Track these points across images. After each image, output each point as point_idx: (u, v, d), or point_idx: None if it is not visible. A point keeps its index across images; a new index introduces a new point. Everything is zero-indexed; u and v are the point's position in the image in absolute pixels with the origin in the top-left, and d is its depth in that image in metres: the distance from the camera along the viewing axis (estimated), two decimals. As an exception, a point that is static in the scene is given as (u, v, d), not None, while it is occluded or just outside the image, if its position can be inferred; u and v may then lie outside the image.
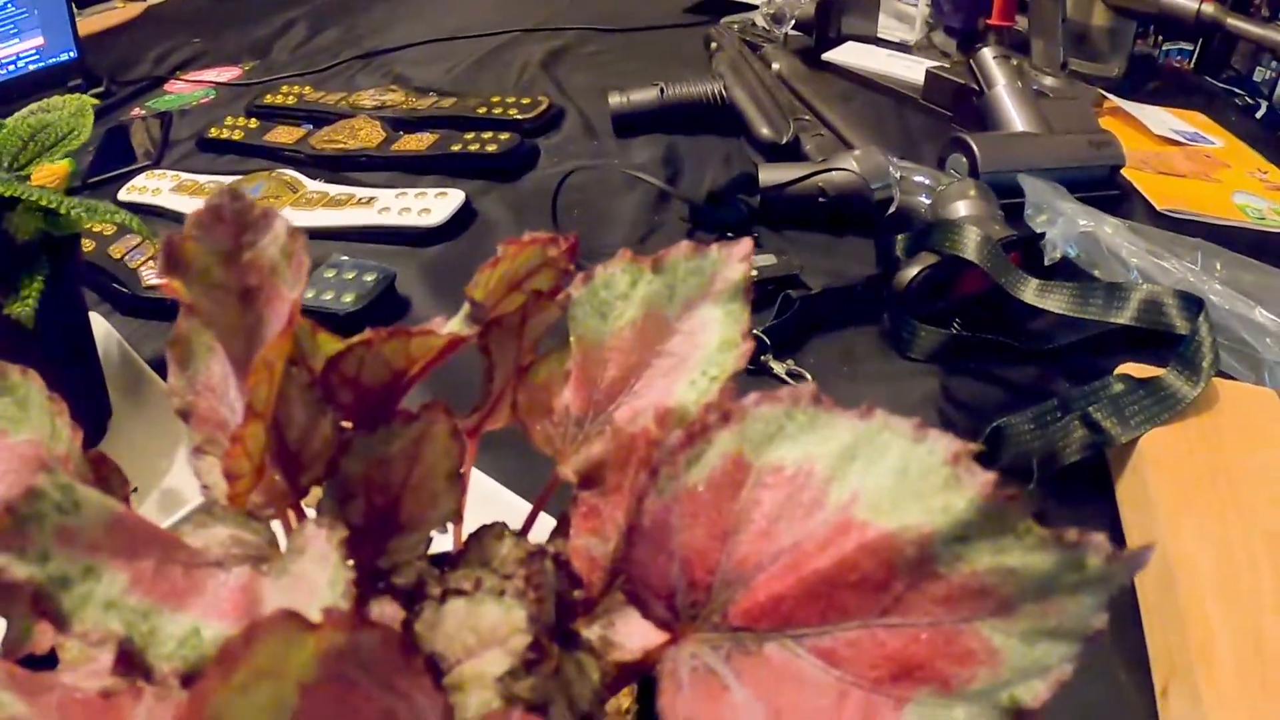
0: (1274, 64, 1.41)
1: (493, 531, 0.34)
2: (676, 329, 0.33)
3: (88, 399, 0.74)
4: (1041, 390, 0.77)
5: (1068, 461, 0.68)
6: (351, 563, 0.25)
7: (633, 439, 0.30)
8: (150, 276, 0.91)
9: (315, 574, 0.25)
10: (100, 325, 0.81)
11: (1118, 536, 0.65)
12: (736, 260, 0.32)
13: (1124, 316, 0.75)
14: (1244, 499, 0.61)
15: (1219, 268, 0.88)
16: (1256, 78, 1.43)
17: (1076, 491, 0.67)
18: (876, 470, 0.25)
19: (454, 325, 0.31)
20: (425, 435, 0.33)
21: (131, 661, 0.23)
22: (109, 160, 1.20)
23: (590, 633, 0.29)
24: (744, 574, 0.26)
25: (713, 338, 0.32)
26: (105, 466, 0.35)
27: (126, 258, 0.94)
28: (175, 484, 0.69)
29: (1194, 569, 0.57)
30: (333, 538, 0.25)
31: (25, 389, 0.34)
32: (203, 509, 0.30)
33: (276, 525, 0.33)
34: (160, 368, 0.78)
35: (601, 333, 0.33)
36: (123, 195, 1.10)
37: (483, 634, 0.27)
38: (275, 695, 0.20)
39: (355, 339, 0.31)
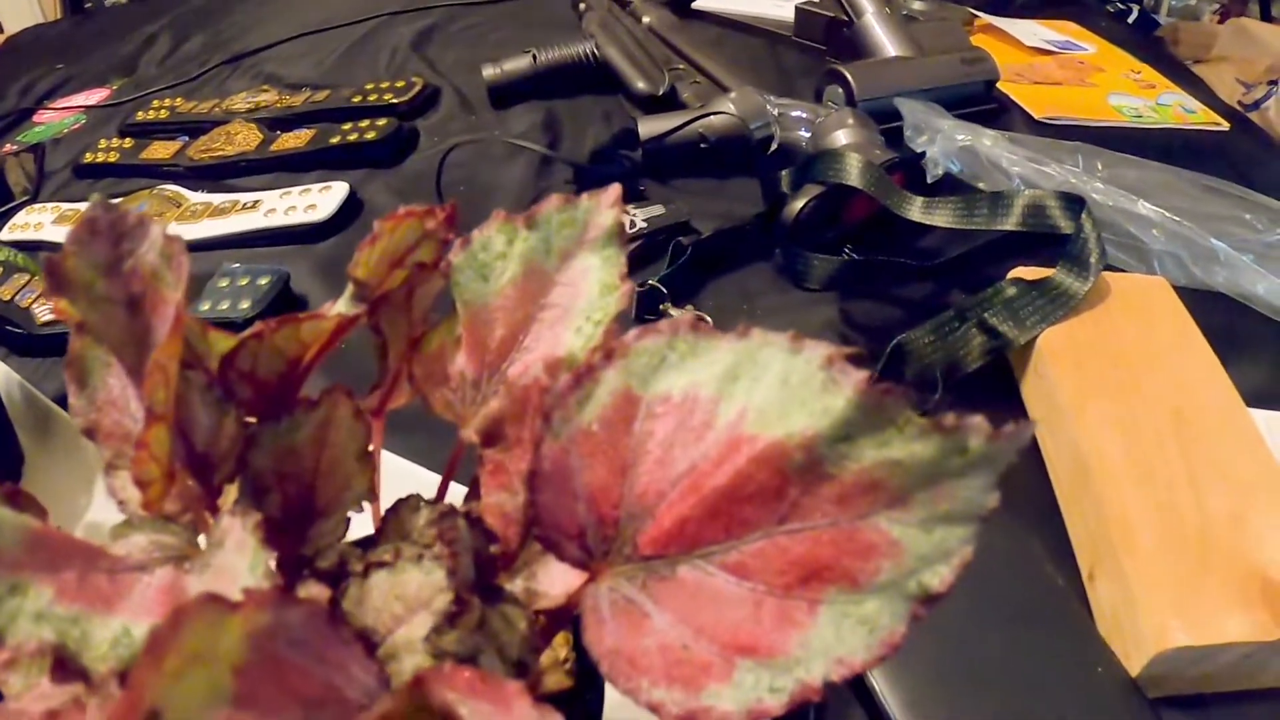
0: (1144, -32, 1.44)
1: (408, 504, 0.34)
2: (557, 281, 0.33)
3: (-2, 448, 0.73)
4: (939, 304, 0.79)
5: (970, 369, 0.70)
6: (274, 551, 0.25)
7: (526, 391, 0.31)
8: (44, 313, 0.89)
9: (237, 563, 0.25)
10: (-1, 369, 0.79)
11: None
12: (607, 206, 0.33)
13: (1009, 223, 0.77)
14: (1145, 383, 0.64)
15: (1100, 168, 0.90)
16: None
17: (982, 398, 0.69)
18: (760, 385, 0.26)
19: (341, 306, 0.32)
20: (329, 419, 0.33)
21: (68, 668, 0.24)
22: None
23: (513, 585, 0.30)
24: (647, 504, 0.27)
25: (593, 284, 0.32)
26: (19, 499, 0.34)
27: (17, 298, 0.91)
28: (97, 518, 0.68)
29: (1105, 456, 0.59)
30: (248, 523, 0.25)
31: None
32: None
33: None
34: (61, 404, 0.76)
35: (485, 294, 0.34)
36: (4, 235, 1.06)
37: (408, 600, 0.27)
38: (210, 680, 0.20)
39: (246, 333, 0.31)
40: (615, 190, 0.33)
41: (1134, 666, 0.51)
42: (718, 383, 0.27)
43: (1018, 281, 0.72)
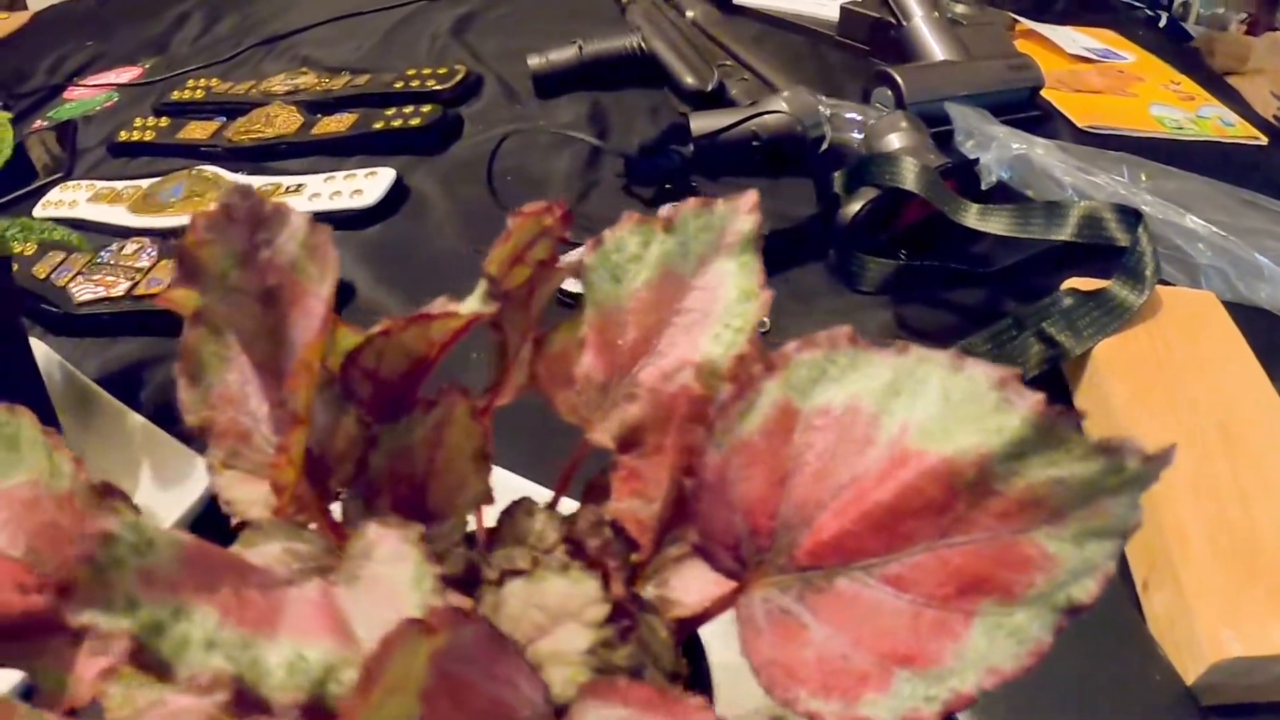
0: (1172, -26, 1.44)
1: (522, 508, 0.34)
2: (693, 285, 0.33)
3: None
4: (991, 311, 0.79)
5: (1027, 378, 0.69)
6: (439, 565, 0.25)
7: (672, 399, 0.30)
8: (81, 293, 0.88)
9: (393, 575, 0.24)
10: (39, 349, 0.78)
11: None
12: (745, 212, 0.32)
13: (1065, 233, 0.77)
14: (1195, 397, 0.64)
15: (1144, 178, 0.90)
16: (1155, -12, 1.46)
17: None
18: (921, 401, 0.26)
19: (472, 303, 0.31)
20: (446, 419, 0.33)
21: (246, 700, 0.22)
22: (9, 180, 1.14)
23: (647, 593, 0.29)
24: (805, 515, 0.27)
25: (730, 290, 0.32)
26: (112, 495, 0.33)
27: (53, 276, 0.91)
28: (140, 501, 0.67)
29: (1158, 467, 0.59)
30: (409, 535, 0.24)
31: (14, 427, 0.32)
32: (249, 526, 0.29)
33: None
34: (103, 385, 0.75)
35: (617, 296, 0.33)
36: (38, 212, 1.06)
37: (552, 610, 0.27)
38: (403, 707, 0.20)
39: (374, 329, 0.30)
40: (752, 196, 0.32)
41: (1189, 675, 0.52)
42: (878, 397, 0.26)
43: (1074, 292, 0.72)
